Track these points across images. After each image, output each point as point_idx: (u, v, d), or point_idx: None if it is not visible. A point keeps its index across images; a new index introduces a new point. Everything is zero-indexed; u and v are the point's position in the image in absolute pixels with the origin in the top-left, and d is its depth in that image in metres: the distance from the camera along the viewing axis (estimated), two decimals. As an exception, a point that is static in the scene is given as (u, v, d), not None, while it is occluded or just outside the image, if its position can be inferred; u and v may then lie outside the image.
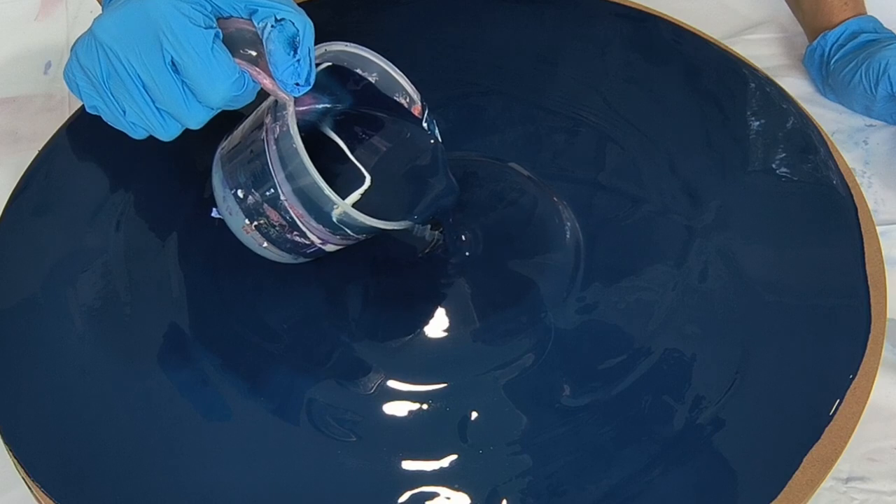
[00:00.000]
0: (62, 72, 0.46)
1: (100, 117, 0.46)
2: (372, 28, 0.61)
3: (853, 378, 0.46)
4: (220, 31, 0.41)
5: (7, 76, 0.64)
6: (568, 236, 0.52)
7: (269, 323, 0.49)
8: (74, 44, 0.44)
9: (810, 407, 0.45)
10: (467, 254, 0.51)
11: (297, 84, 0.42)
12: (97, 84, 0.43)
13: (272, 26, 0.41)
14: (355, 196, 0.46)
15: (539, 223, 0.53)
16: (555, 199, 0.54)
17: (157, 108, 0.43)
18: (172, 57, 0.41)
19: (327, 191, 0.42)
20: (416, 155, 0.48)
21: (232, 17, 0.42)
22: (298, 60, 0.41)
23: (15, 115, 0.62)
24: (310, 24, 0.42)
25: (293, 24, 0.41)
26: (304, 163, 0.42)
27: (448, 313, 0.49)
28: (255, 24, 0.42)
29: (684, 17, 0.62)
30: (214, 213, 0.47)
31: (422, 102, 0.48)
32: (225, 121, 0.47)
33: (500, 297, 0.50)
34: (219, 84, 0.41)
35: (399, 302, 0.50)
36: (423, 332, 0.49)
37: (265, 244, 0.47)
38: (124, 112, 0.44)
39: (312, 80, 0.42)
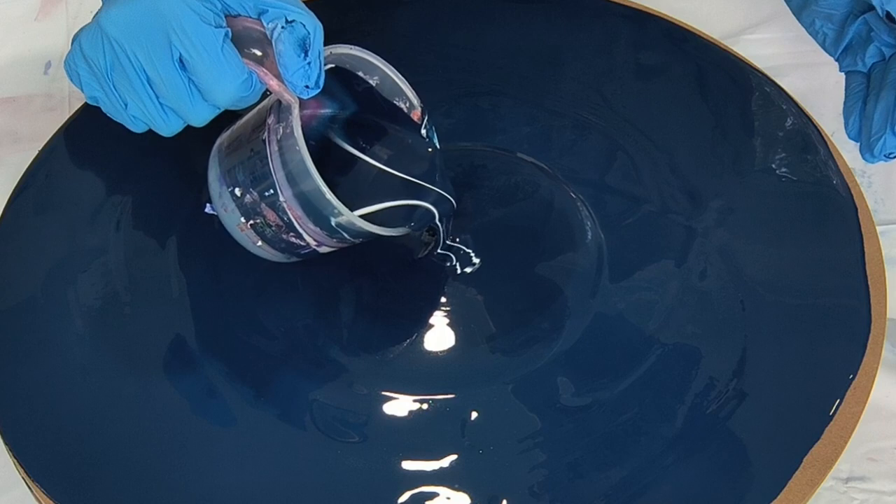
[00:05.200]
0: (62, 71, 0.46)
1: (100, 116, 0.46)
2: (373, 28, 0.61)
3: (853, 378, 0.46)
4: (229, 29, 0.41)
5: (7, 76, 0.64)
6: (590, 236, 0.52)
7: (270, 324, 0.49)
8: (77, 33, 0.44)
9: (810, 407, 0.45)
10: (456, 261, 0.51)
11: (307, 86, 0.42)
12: (100, 76, 0.43)
13: (282, 27, 0.41)
14: (372, 208, 0.46)
15: (560, 220, 0.53)
16: (572, 194, 0.54)
17: (160, 103, 0.43)
18: (181, 54, 0.41)
19: (329, 195, 0.42)
20: (414, 162, 0.48)
21: (240, 15, 0.42)
22: (309, 63, 0.41)
23: (15, 115, 0.62)
24: (320, 26, 0.42)
25: (304, 25, 0.41)
26: (308, 166, 0.42)
27: (461, 320, 0.49)
28: (265, 24, 0.42)
29: (684, 17, 0.62)
30: (208, 209, 0.47)
31: (421, 108, 0.48)
32: (226, 121, 0.47)
33: (520, 304, 0.50)
34: (227, 84, 0.41)
35: (407, 309, 0.50)
36: (434, 343, 0.49)
37: (259, 243, 0.46)
38: (126, 105, 0.44)
39: (322, 83, 0.42)
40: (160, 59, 0.41)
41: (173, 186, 0.54)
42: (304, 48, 0.41)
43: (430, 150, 0.49)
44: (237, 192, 0.45)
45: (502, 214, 0.53)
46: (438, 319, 0.49)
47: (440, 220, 0.48)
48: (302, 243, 0.46)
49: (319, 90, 0.42)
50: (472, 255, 0.51)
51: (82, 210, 0.53)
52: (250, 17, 0.42)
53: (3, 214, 0.53)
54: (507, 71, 0.60)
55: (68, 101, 0.62)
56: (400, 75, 0.47)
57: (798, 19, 0.52)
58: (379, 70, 0.47)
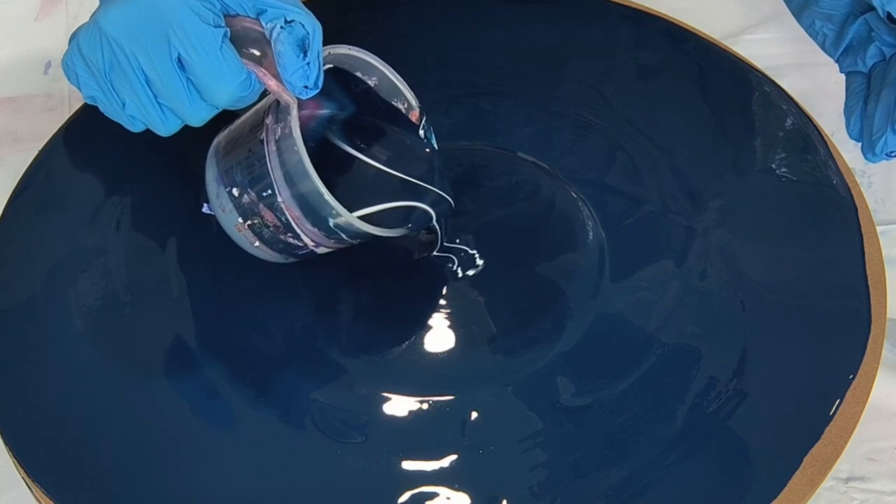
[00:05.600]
0: (62, 71, 0.46)
1: (100, 116, 0.46)
2: (373, 28, 0.61)
3: (853, 378, 0.46)
4: (228, 29, 0.41)
5: (7, 76, 0.64)
6: (591, 236, 0.52)
7: (270, 325, 0.49)
8: (75, 33, 0.44)
9: (810, 407, 0.45)
10: (459, 263, 0.51)
11: (306, 87, 0.42)
12: (98, 75, 0.43)
13: (281, 27, 0.41)
14: (370, 209, 0.46)
15: (561, 220, 0.53)
16: (573, 194, 0.54)
17: (158, 102, 0.43)
18: (180, 54, 0.41)
19: (327, 196, 0.42)
20: (412, 163, 0.48)
21: (238, 15, 0.42)
22: (308, 63, 0.41)
23: (15, 115, 0.62)
24: (319, 26, 0.42)
25: (303, 25, 0.41)
26: (306, 167, 0.42)
27: (462, 321, 0.49)
28: (264, 24, 0.42)
29: (684, 17, 0.62)
30: (206, 209, 0.47)
31: (420, 108, 0.48)
32: (224, 121, 0.47)
33: (521, 305, 0.49)
34: (226, 84, 0.41)
35: (407, 310, 0.50)
36: (435, 344, 0.48)
37: (257, 243, 0.46)
38: (124, 105, 0.44)
39: (321, 84, 0.42)
40: (159, 58, 0.41)
41: (173, 187, 0.54)
42: (303, 48, 0.41)
43: (427, 150, 0.49)
44: (235, 192, 0.45)
45: (503, 214, 0.53)
46: (439, 320, 0.49)
47: (437, 222, 0.48)
48: (300, 244, 0.46)
49: (318, 90, 0.42)
50: (476, 256, 0.51)
51: (82, 210, 0.53)
52: (249, 16, 0.42)
53: (3, 214, 0.53)
54: (507, 71, 0.60)
55: (68, 101, 0.62)
56: (398, 76, 0.47)
57: (797, 20, 0.53)
58: (377, 70, 0.47)
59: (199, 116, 0.43)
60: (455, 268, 0.51)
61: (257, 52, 0.42)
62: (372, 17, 0.62)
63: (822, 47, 0.52)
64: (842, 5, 0.50)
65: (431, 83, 0.57)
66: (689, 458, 0.44)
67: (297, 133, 0.42)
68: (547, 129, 0.57)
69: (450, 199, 0.48)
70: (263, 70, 0.42)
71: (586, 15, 0.62)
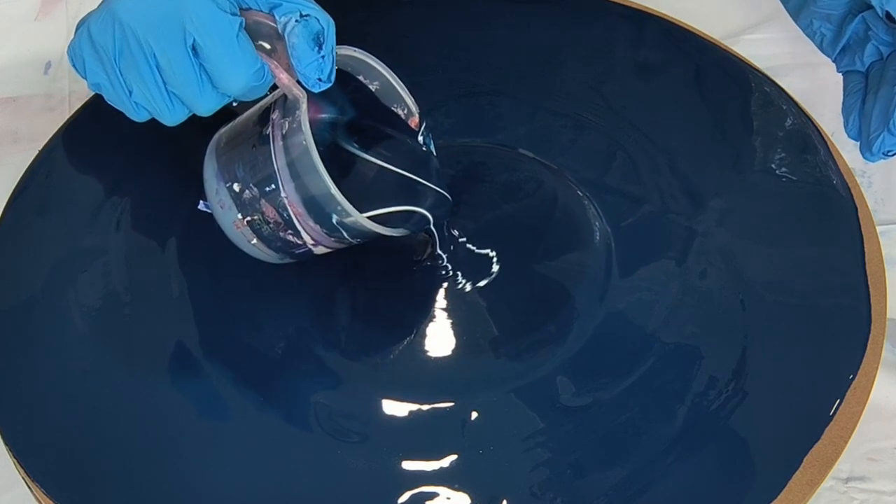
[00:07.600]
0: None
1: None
2: (373, 28, 0.61)
3: (853, 378, 0.46)
4: (243, 19, 0.42)
5: (7, 76, 0.64)
6: (598, 236, 0.52)
7: (271, 326, 0.49)
8: (84, 19, 0.44)
9: (810, 407, 0.45)
10: (448, 265, 0.51)
11: (320, 79, 0.42)
12: (107, 61, 0.43)
13: (297, 21, 0.41)
14: (371, 213, 0.46)
15: (567, 219, 0.53)
16: (579, 192, 0.53)
17: (167, 90, 0.43)
18: (195, 40, 0.41)
19: (334, 191, 0.42)
20: (410, 168, 0.48)
21: (251, 9, 0.42)
22: (323, 56, 0.42)
23: (15, 115, 0.62)
24: (332, 22, 0.42)
25: (318, 20, 0.42)
26: (314, 161, 0.42)
27: (465, 324, 0.49)
28: (277, 17, 0.42)
29: (684, 17, 0.62)
30: (202, 206, 0.47)
31: (419, 115, 0.48)
32: (223, 122, 0.47)
33: (525, 307, 0.49)
34: (241, 72, 0.41)
35: (410, 313, 0.50)
36: (439, 347, 0.48)
37: (254, 240, 0.46)
38: (131, 92, 0.44)
39: (333, 78, 0.42)
40: (172, 45, 0.41)
41: (173, 186, 0.54)
42: (317, 42, 0.42)
43: (426, 157, 0.49)
44: (235, 187, 0.45)
45: (506, 212, 0.53)
46: (442, 323, 0.49)
47: (435, 224, 0.48)
48: (299, 241, 0.45)
49: (331, 84, 0.42)
50: (494, 258, 0.51)
51: (82, 210, 0.53)
52: (262, 11, 0.42)
53: (3, 214, 0.53)
54: (507, 71, 0.60)
55: (68, 101, 0.62)
56: (400, 81, 0.47)
57: (795, 20, 0.53)
58: (379, 75, 0.47)
59: (208, 105, 0.43)
60: (462, 283, 0.50)
61: (268, 46, 0.43)
62: (372, 17, 0.62)
63: (820, 47, 0.52)
64: (840, 4, 0.50)
65: (431, 83, 0.57)
66: (689, 457, 0.44)
67: (306, 127, 0.42)
68: (546, 129, 0.57)
69: (449, 199, 0.48)
70: (275, 63, 0.42)
71: (586, 15, 0.62)
